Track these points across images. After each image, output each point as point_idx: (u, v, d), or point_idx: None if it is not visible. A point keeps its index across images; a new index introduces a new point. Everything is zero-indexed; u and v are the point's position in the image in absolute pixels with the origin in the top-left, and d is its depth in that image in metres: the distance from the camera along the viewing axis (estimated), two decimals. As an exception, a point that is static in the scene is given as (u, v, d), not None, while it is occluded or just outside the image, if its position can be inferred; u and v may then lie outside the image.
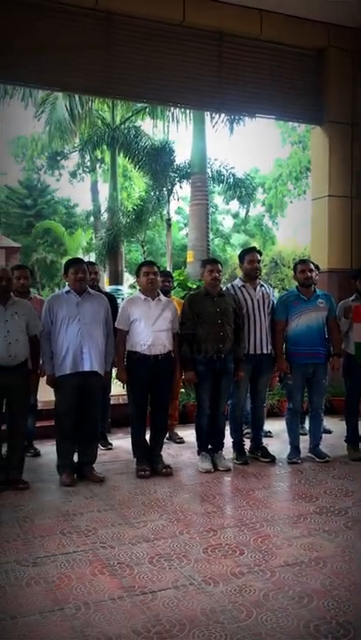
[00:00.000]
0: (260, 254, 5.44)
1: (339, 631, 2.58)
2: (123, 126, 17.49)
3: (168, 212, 17.79)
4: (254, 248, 5.60)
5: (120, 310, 4.99)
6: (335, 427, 6.28)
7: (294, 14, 7.18)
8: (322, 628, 2.61)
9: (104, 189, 25.82)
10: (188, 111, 13.75)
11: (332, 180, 7.64)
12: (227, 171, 16.08)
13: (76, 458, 4.85)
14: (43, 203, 30.73)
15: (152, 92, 7.16)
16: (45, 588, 2.98)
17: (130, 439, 5.06)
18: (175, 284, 7.72)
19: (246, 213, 28.09)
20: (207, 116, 13.08)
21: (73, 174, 30.61)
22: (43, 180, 31.64)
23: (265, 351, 5.22)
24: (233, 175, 16.21)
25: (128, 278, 20.63)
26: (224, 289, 5.21)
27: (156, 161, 15.96)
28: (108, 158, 21.14)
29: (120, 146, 17.36)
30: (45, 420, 5.56)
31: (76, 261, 4.93)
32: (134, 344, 4.84)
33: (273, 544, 3.52)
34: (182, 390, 6.40)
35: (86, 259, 5.82)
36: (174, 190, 16.71)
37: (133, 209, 17.65)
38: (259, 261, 5.35)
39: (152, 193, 17.25)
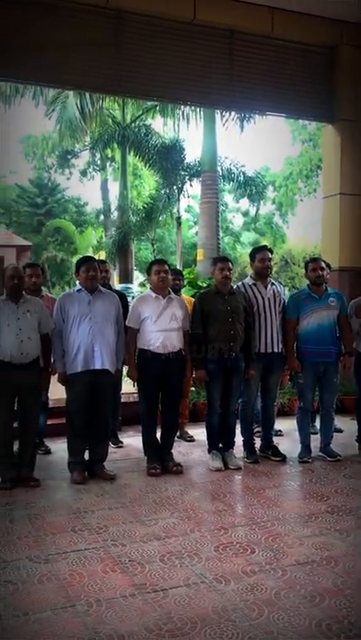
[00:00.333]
0: (272, 252, 5.42)
1: (351, 630, 2.58)
2: (133, 125, 17.48)
3: (178, 211, 17.75)
4: (265, 246, 5.59)
5: (131, 308, 5.00)
6: (346, 426, 6.25)
7: (305, 11, 7.15)
8: (334, 627, 2.61)
9: (114, 188, 25.84)
10: (198, 109, 13.71)
11: (343, 178, 7.60)
12: (237, 169, 16.01)
13: (86, 455, 4.86)
14: (53, 201, 30.77)
15: (162, 90, 7.17)
16: (57, 585, 3.00)
17: (140, 437, 5.08)
18: (185, 282, 7.72)
19: (256, 211, 28.08)
20: (217, 114, 13.05)
21: (83, 173, 30.62)
22: (53, 179, 31.68)
23: (276, 350, 5.21)
24: (243, 173, 16.14)
25: (138, 276, 20.65)
26: (235, 287, 5.21)
27: (167, 159, 15.93)
28: (118, 157, 21.13)
29: (130, 144, 17.35)
30: (56, 417, 5.58)
31: (88, 260, 4.94)
32: (145, 342, 4.84)
33: (284, 543, 3.51)
34: (192, 389, 6.40)
35: (96, 257, 5.82)
36: (184, 188, 16.67)
37: (143, 207, 17.64)
38: (270, 260, 5.33)
39: (162, 191, 17.23)
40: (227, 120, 12.86)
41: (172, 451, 5.10)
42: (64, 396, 4.86)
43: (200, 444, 5.65)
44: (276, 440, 5.56)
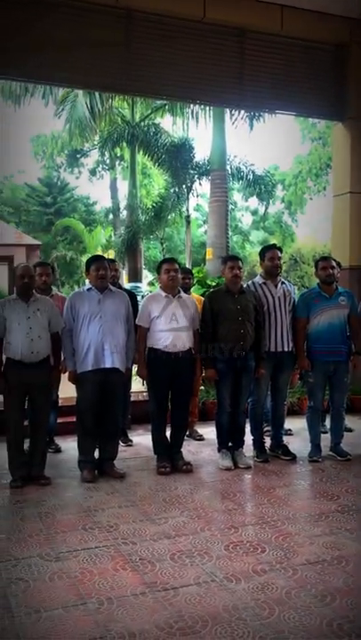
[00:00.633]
0: (281, 251, 5.41)
1: (362, 630, 2.57)
2: (142, 124, 17.49)
3: (187, 210, 17.73)
4: (275, 245, 5.58)
5: (141, 307, 5.00)
6: (356, 425, 6.23)
7: (315, 9, 7.10)
8: (345, 626, 2.60)
9: (123, 187, 25.92)
10: (207, 108, 13.71)
11: (353, 177, 7.56)
12: (246, 167, 15.98)
13: (96, 454, 4.88)
14: (62, 200, 30.86)
15: (172, 89, 7.16)
16: (68, 583, 3.01)
17: (150, 436, 5.09)
18: (194, 281, 7.71)
19: (266, 210, 28.00)
20: (227, 112, 13.04)
21: (92, 172, 30.69)
22: (62, 178, 31.78)
23: (286, 349, 5.20)
24: (252, 172, 16.10)
25: (147, 275, 20.64)
26: (245, 286, 5.20)
27: (176, 158, 15.92)
28: (127, 156, 21.15)
29: (140, 143, 17.37)
30: (66, 416, 5.59)
31: (98, 258, 4.95)
32: (155, 341, 4.85)
33: (294, 542, 3.51)
34: (202, 388, 6.40)
35: (106, 256, 5.84)
36: (193, 187, 16.66)
37: (152, 206, 17.64)
38: (280, 259, 5.32)
39: (171, 190, 17.23)
40: (236, 119, 12.86)
41: (182, 449, 5.11)
42: (74, 394, 4.89)
43: (210, 442, 5.65)
44: (286, 439, 5.55)
